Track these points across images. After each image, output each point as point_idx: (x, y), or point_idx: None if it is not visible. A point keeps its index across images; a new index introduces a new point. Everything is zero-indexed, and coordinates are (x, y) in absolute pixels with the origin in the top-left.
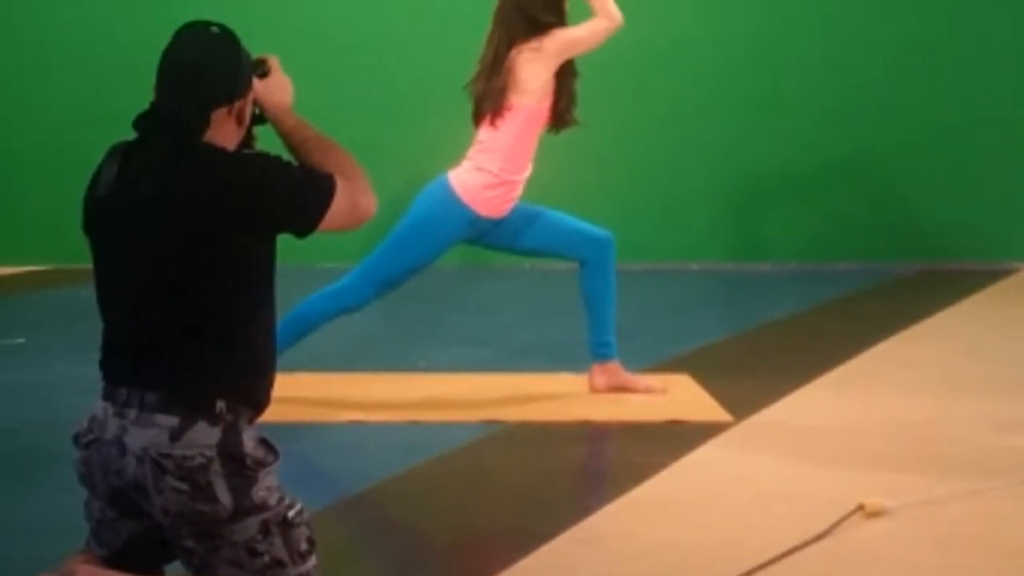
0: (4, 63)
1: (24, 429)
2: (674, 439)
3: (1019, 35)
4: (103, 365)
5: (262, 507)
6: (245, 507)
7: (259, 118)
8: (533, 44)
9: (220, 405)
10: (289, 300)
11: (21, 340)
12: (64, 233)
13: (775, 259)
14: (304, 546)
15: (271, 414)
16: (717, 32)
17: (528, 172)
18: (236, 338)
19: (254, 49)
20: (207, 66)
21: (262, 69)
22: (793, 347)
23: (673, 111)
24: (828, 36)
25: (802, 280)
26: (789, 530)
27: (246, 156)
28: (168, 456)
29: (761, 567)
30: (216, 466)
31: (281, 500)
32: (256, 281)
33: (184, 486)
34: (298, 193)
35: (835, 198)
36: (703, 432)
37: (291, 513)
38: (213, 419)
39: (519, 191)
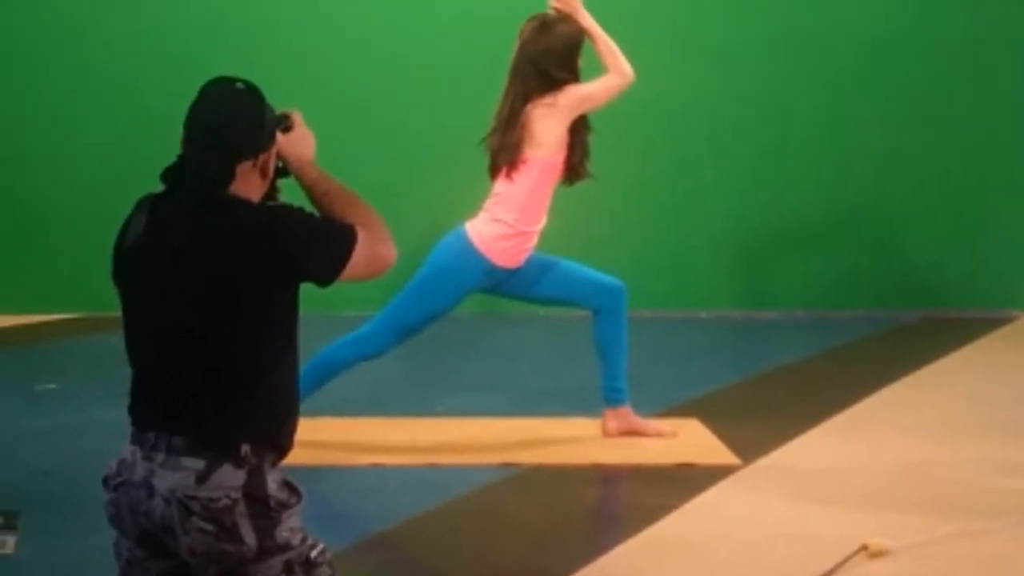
0: (37, 118)
1: (56, 472)
2: (684, 481)
3: (1018, 92)
4: (132, 410)
5: (286, 547)
6: (269, 547)
7: (283, 171)
8: (548, 99)
9: (245, 449)
10: (312, 347)
11: (53, 386)
12: (94, 283)
13: (782, 307)
14: None
15: (294, 457)
16: (726, 89)
17: (543, 223)
18: (261, 384)
19: (277, 104)
20: (232, 121)
21: (285, 123)
22: (799, 392)
23: (682, 165)
24: (833, 93)
25: (808, 327)
26: (795, 570)
27: (270, 208)
28: (195, 498)
29: None
30: (241, 507)
31: (304, 540)
32: (280, 329)
33: (210, 527)
34: (320, 243)
35: (840, 248)
36: (712, 475)
37: (314, 553)
38: (238, 462)
39: (534, 241)
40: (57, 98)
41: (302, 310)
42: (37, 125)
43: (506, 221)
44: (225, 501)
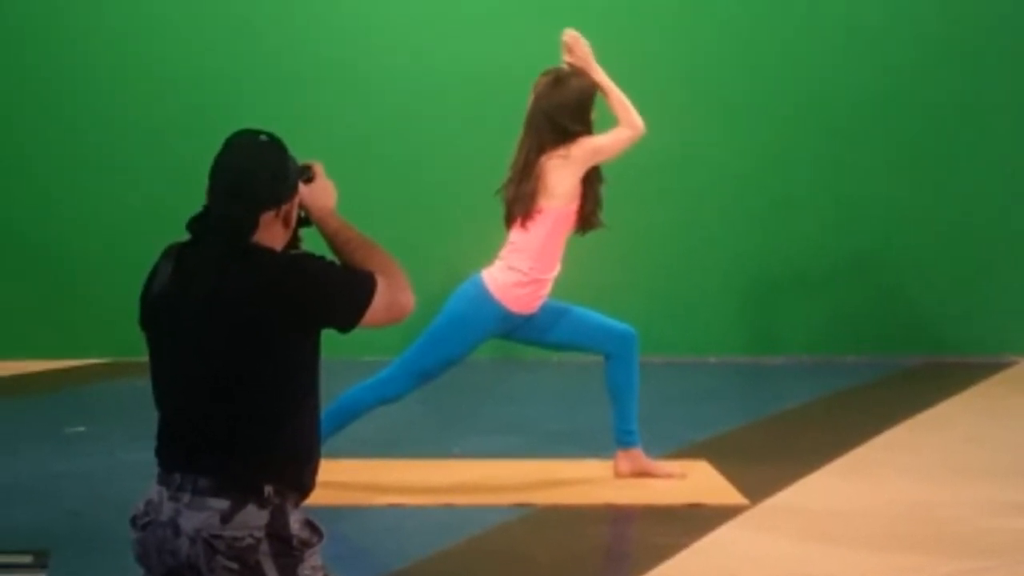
0: (66, 168)
1: (85, 511)
2: (693, 521)
3: (1014, 146)
4: (158, 452)
5: None
6: None
7: (305, 220)
8: (561, 151)
9: (268, 489)
10: (333, 391)
11: (82, 428)
12: (122, 329)
13: (788, 352)
14: None
15: (316, 497)
16: (732, 141)
17: (557, 271)
18: (284, 427)
19: (300, 155)
20: (256, 172)
21: (308, 174)
22: (805, 435)
23: (692, 215)
24: (836, 146)
25: (813, 372)
26: None
27: (292, 256)
28: (219, 537)
29: None
30: (264, 546)
31: None
32: (302, 373)
33: (234, 565)
34: (341, 291)
35: (844, 296)
36: (720, 515)
37: None
38: (262, 502)
39: (548, 289)
40: (85, 149)
41: (323, 355)
42: (66, 175)
43: (521, 269)
44: (249, 540)
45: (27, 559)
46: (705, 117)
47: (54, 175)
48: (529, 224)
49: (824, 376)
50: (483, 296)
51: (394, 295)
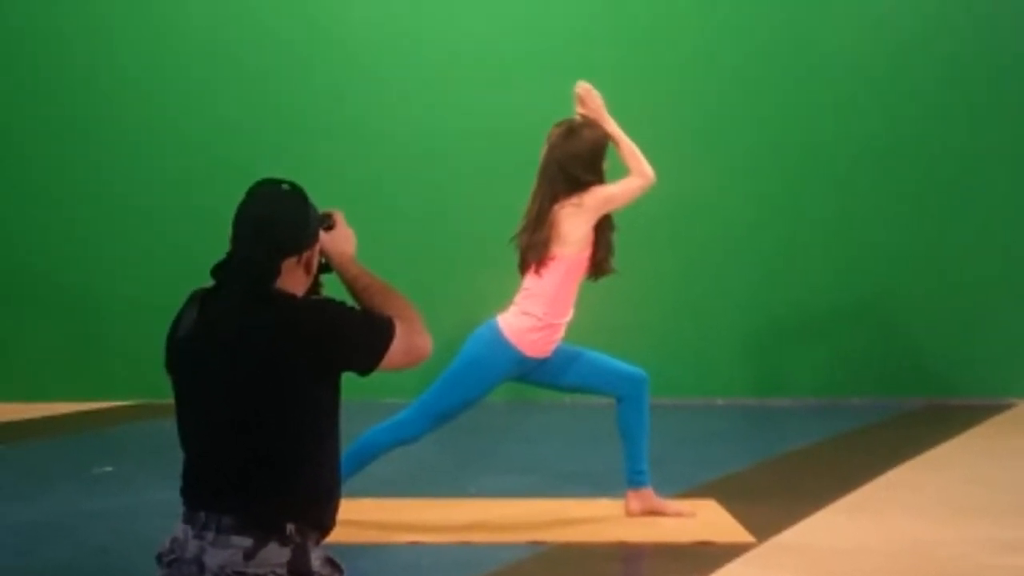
0: (96, 216)
1: (113, 549)
2: (702, 559)
3: (1014, 195)
4: (184, 491)
5: None
6: None
7: (325, 267)
8: (574, 200)
9: (290, 528)
10: (353, 432)
11: (110, 468)
12: (148, 372)
13: (794, 395)
14: None
15: (336, 535)
16: (740, 189)
17: (570, 316)
18: (305, 467)
19: (320, 204)
20: (278, 220)
21: (328, 222)
22: (810, 474)
23: (700, 261)
24: (841, 195)
25: (819, 414)
26: None
27: (313, 301)
28: (243, 574)
29: None
30: None
31: None
32: (323, 415)
33: None
34: (361, 335)
35: (848, 339)
36: (729, 552)
37: None
38: (284, 540)
39: (561, 333)
40: (113, 199)
41: (343, 397)
42: (95, 223)
43: (535, 314)
44: None
45: None
46: (713, 167)
47: (84, 224)
48: (543, 271)
49: (829, 417)
50: (499, 340)
51: (412, 339)
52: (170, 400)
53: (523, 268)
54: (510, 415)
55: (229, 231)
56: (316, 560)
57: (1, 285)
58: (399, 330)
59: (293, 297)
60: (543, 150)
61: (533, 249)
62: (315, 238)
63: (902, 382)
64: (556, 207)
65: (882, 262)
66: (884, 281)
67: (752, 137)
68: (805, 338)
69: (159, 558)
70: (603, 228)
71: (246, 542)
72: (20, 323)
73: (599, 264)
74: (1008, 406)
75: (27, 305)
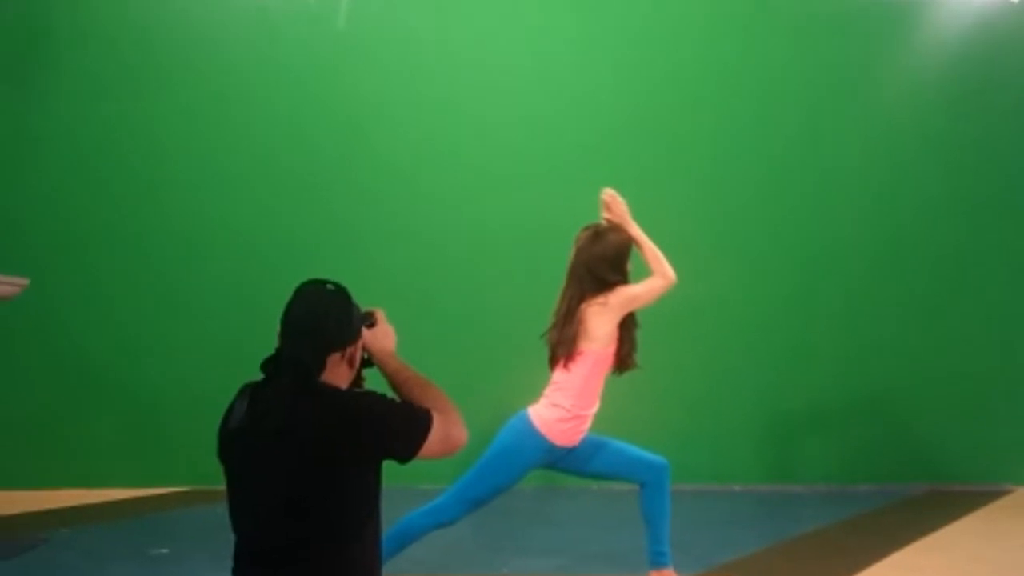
0: (153, 314)
1: None
2: None
3: (1011, 294)
4: (235, 572)
5: None
6: None
7: (367, 361)
8: (600, 299)
9: None
10: (393, 516)
11: (165, 550)
12: (202, 460)
13: (806, 481)
14: None
15: None
16: (755, 290)
17: (596, 407)
18: (348, 548)
19: (363, 302)
20: (323, 318)
21: (370, 320)
22: (821, 556)
23: (718, 357)
24: (849, 293)
25: (829, 499)
26: None
27: (356, 394)
28: None
29: None
30: None
31: None
32: (365, 499)
33: None
34: (401, 425)
35: (856, 429)
36: None
37: None
38: None
39: (589, 423)
40: (170, 298)
41: (384, 484)
42: (152, 321)
43: (564, 406)
44: None
45: None
46: (731, 268)
47: (141, 321)
48: (571, 365)
49: (838, 503)
50: (529, 430)
51: (448, 429)
52: (222, 486)
53: (553, 363)
54: (540, 500)
55: (277, 327)
56: None
57: (64, 378)
58: (436, 421)
59: (337, 390)
60: (571, 252)
61: (562, 345)
62: (358, 335)
63: (907, 469)
64: (584, 305)
65: (887, 357)
66: (889, 375)
67: (766, 241)
68: (816, 429)
69: None
70: (627, 325)
71: None
72: (81, 413)
73: (624, 359)
74: (1007, 492)
75: (88, 397)
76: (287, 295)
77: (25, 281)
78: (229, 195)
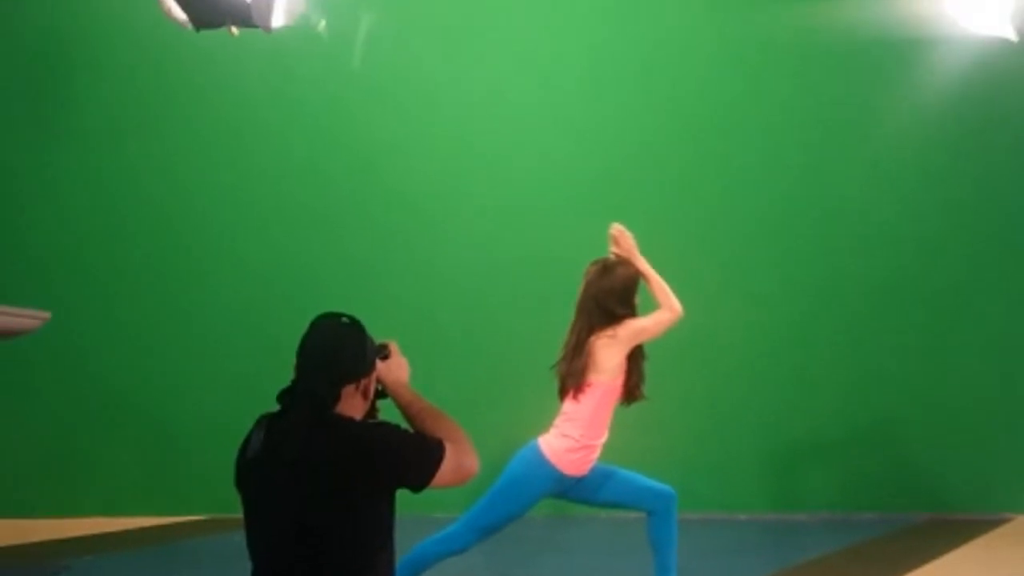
0: (173, 347)
1: None
2: None
3: (1010, 326)
4: None
5: None
6: None
7: (381, 393)
8: (609, 332)
9: None
10: (406, 544)
11: None
12: (220, 489)
13: (810, 510)
14: None
15: None
16: (759, 323)
17: (605, 437)
18: (362, 574)
19: (377, 335)
20: (338, 351)
21: (384, 352)
22: None
23: (722, 388)
24: (852, 325)
25: (832, 527)
26: None
27: (370, 425)
28: None
29: None
30: None
31: None
32: (379, 529)
33: None
34: (414, 455)
35: (859, 459)
36: None
37: None
38: None
39: (597, 453)
40: (189, 331)
41: (397, 512)
42: (171, 354)
43: (573, 436)
44: None
45: None
46: (736, 301)
47: (160, 352)
48: (580, 396)
49: (841, 531)
50: (539, 460)
51: (460, 459)
52: (239, 515)
53: (562, 394)
54: (550, 528)
55: (293, 360)
56: None
57: (85, 408)
58: (449, 451)
59: (352, 420)
60: (580, 286)
61: (571, 376)
62: (372, 367)
63: (908, 498)
64: (592, 338)
65: (889, 388)
66: (891, 406)
67: (770, 275)
68: (819, 458)
69: None
70: (635, 357)
71: None
72: (102, 443)
73: (631, 390)
74: (1006, 520)
75: (109, 427)
76: (303, 328)
77: (47, 315)
78: (246, 230)
